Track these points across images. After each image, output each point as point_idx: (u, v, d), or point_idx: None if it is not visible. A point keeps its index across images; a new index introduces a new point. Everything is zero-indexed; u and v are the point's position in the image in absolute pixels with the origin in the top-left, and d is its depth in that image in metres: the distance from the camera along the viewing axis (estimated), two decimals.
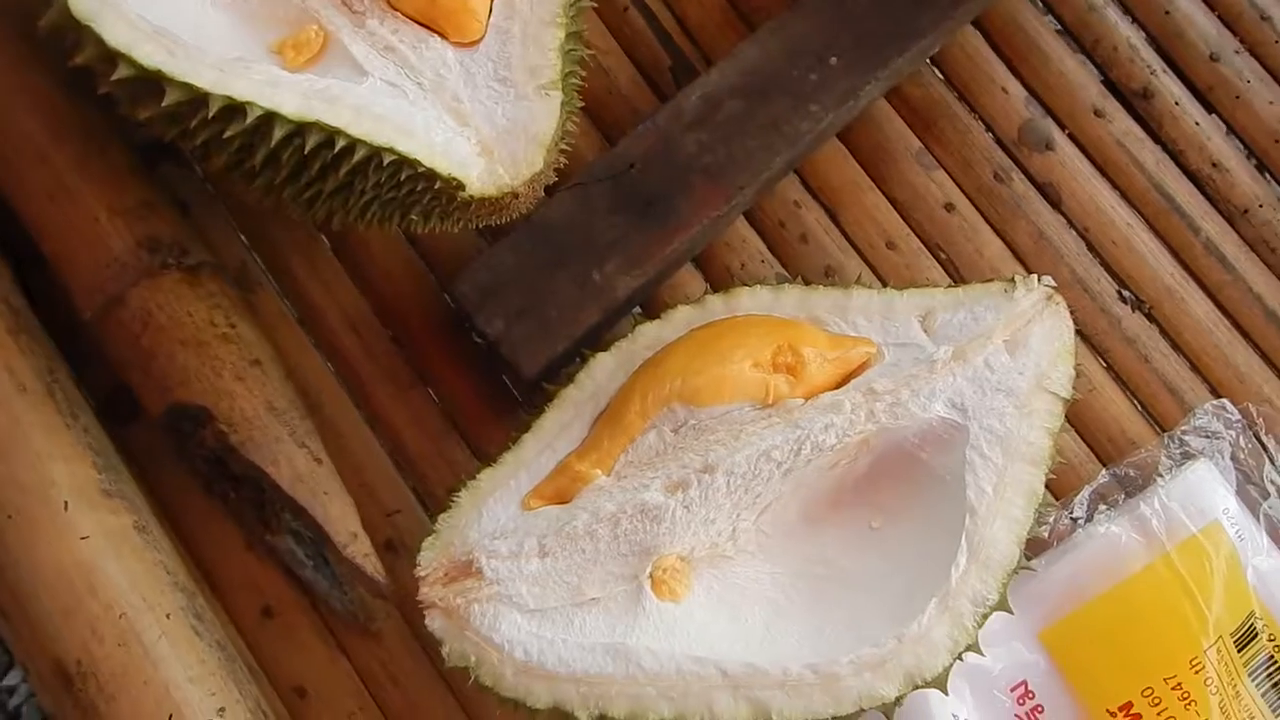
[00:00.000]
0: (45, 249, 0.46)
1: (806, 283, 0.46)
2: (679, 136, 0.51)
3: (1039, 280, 0.44)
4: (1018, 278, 0.44)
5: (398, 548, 0.49)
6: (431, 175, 0.38)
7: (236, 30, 0.42)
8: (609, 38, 0.57)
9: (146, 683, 0.40)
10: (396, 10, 0.42)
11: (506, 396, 0.51)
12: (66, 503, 0.41)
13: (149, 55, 0.37)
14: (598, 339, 0.50)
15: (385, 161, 0.38)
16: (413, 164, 0.38)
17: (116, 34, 0.37)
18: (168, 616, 0.42)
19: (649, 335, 0.45)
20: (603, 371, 0.44)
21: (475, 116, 0.40)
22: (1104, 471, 0.50)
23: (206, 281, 0.46)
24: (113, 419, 0.48)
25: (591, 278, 0.49)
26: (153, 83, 0.37)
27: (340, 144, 0.38)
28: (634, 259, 0.50)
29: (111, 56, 0.37)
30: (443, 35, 0.42)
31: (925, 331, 0.44)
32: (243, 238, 0.53)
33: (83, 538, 0.41)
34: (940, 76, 0.57)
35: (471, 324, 0.49)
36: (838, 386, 0.43)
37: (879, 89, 0.54)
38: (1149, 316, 0.54)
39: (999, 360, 0.42)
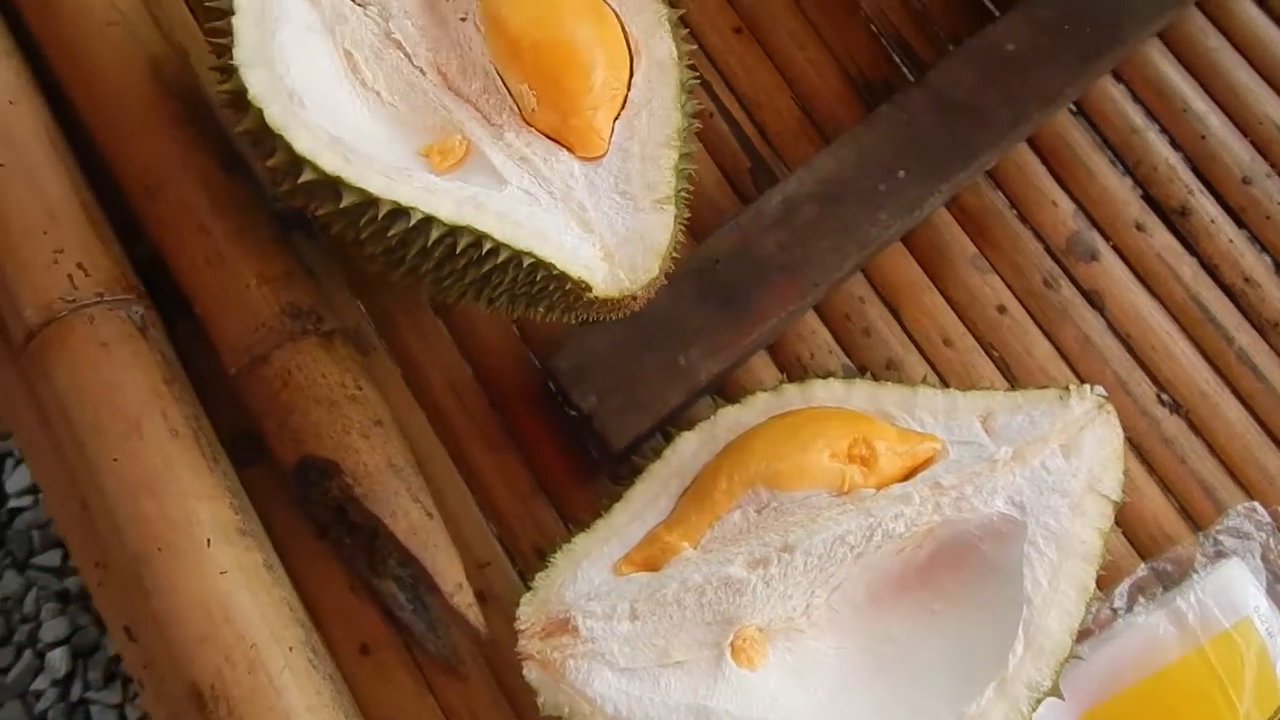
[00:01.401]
0: (198, 309, 0.50)
1: (874, 377, 0.48)
2: (760, 236, 0.54)
3: (1091, 389, 0.46)
4: (1071, 386, 0.46)
5: (487, 598, 0.51)
6: (564, 277, 0.41)
7: (390, 134, 0.46)
8: (695, 140, 0.60)
9: (271, 709, 0.42)
10: (530, 125, 0.46)
11: (590, 463, 0.54)
12: (209, 540, 0.44)
13: (330, 163, 0.41)
14: (679, 417, 0.53)
15: (525, 264, 0.41)
16: (548, 266, 0.41)
17: (303, 142, 0.41)
18: (290, 649, 0.44)
19: (730, 419, 0.48)
20: (687, 449, 0.47)
21: (599, 225, 0.44)
22: (1143, 565, 0.51)
23: (338, 346, 0.50)
24: (235, 463, 0.51)
25: (677, 361, 0.52)
26: (331, 185, 0.41)
27: (487, 246, 0.41)
28: (716, 346, 0.53)
29: (298, 161, 0.41)
30: (570, 150, 0.45)
31: (986, 431, 0.46)
32: (359, 303, 0.56)
33: (221, 572, 0.44)
34: (995, 188, 0.59)
35: (566, 398, 0.52)
36: (906, 478, 0.45)
37: (941, 200, 0.57)
38: (1186, 420, 0.56)
39: (1055, 463, 0.44)
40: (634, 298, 0.43)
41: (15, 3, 0.53)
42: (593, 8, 0.47)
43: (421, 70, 0.47)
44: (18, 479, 1.18)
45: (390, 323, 0.56)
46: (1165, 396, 0.56)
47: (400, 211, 0.41)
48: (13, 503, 1.17)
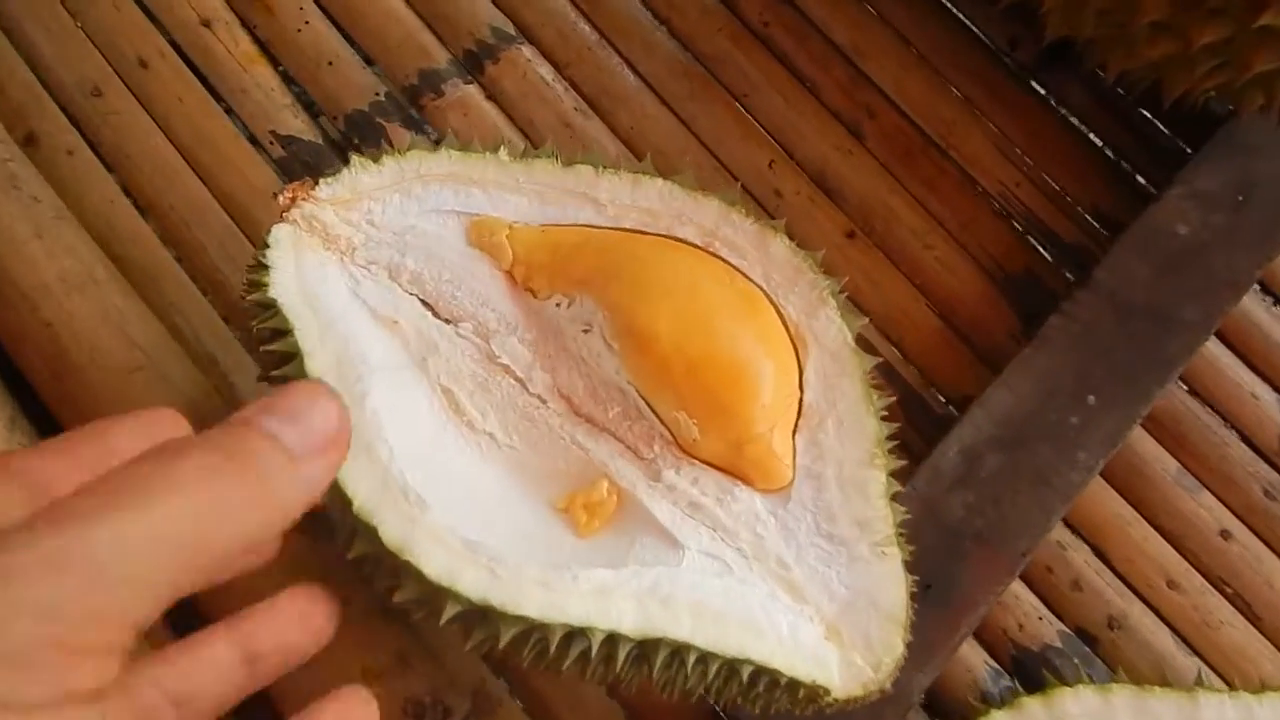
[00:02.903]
0: None
1: (1130, 678, 0.41)
2: (943, 499, 0.47)
3: None
4: None
5: None
6: (794, 684, 0.34)
7: (517, 490, 0.38)
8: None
9: None
10: (691, 456, 0.38)
11: None
12: None
13: (473, 583, 0.33)
14: None
15: (744, 673, 0.33)
16: (772, 673, 0.33)
17: (435, 564, 0.33)
18: None
19: None
20: None
21: (809, 587, 0.36)
22: None
23: None
24: None
25: None
26: (482, 614, 0.33)
27: (691, 657, 0.33)
28: (924, 653, 0.45)
29: (437, 592, 0.33)
30: (747, 482, 0.38)
31: None
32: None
33: None
34: (1184, 388, 0.53)
35: None
36: None
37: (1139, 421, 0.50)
38: None
39: None
40: (883, 693, 0.35)
41: (14, 358, 0.45)
42: (744, 295, 0.40)
43: (541, 399, 0.40)
44: None
45: (516, 667, 0.47)
46: None
47: (576, 633, 0.33)
48: None
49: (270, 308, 0.37)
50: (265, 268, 0.38)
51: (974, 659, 0.48)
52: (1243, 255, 0.51)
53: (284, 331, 0.37)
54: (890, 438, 0.39)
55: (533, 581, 0.34)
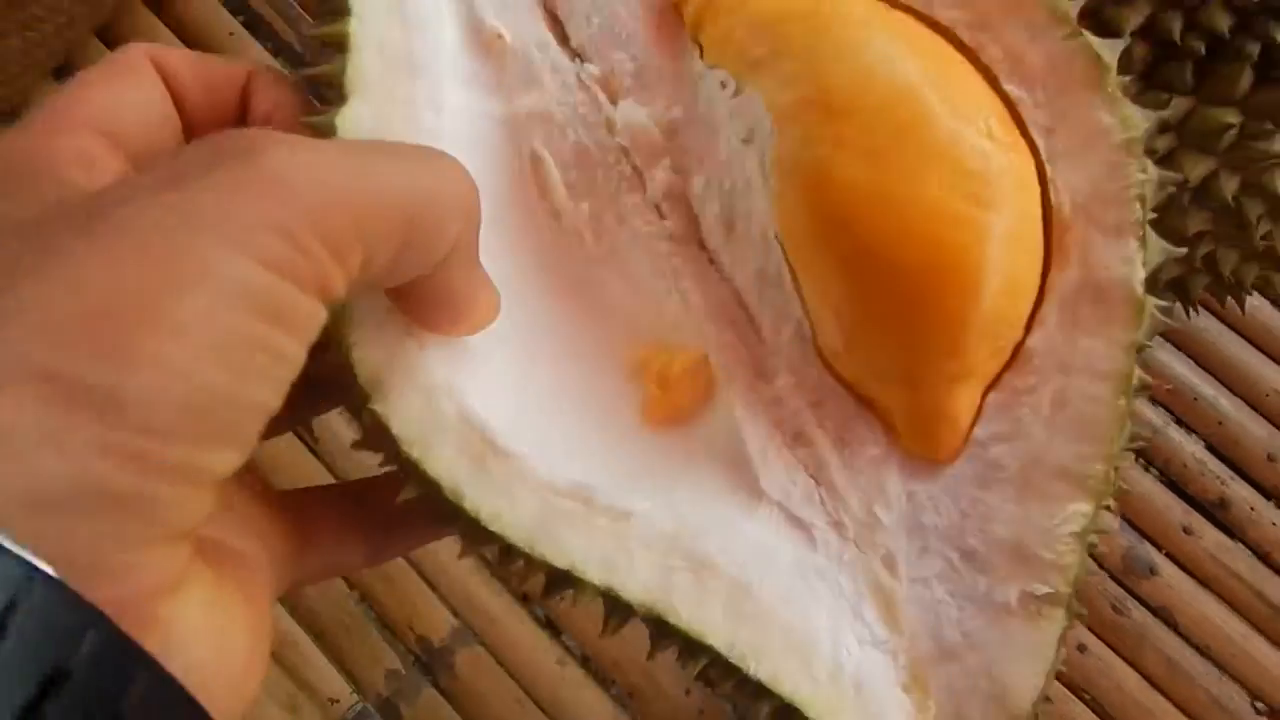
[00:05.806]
0: None
1: None
2: None
3: None
4: None
5: None
6: None
7: (573, 320, 0.29)
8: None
9: None
10: (826, 367, 0.28)
11: None
12: None
13: (447, 467, 0.25)
14: None
15: (764, 710, 0.26)
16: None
17: (407, 418, 0.25)
18: None
19: None
20: None
21: (911, 612, 0.26)
22: None
23: None
24: None
25: None
26: (451, 508, 0.26)
27: (701, 660, 0.26)
28: None
29: (401, 457, 0.25)
30: (889, 431, 0.28)
31: None
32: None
33: None
34: None
35: None
36: None
37: None
38: None
39: None
40: None
41: None
42: (1005, 162, 0.26)
43: (657, 210, 0.29)
44: None
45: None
46: (1260, 704, 0.61)
47: (561, 575, 0.26)
48: None
49: None
50: None
51: None
52: None
53: (342, 11, 0.26)
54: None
55: (527, 488, 0.25)
